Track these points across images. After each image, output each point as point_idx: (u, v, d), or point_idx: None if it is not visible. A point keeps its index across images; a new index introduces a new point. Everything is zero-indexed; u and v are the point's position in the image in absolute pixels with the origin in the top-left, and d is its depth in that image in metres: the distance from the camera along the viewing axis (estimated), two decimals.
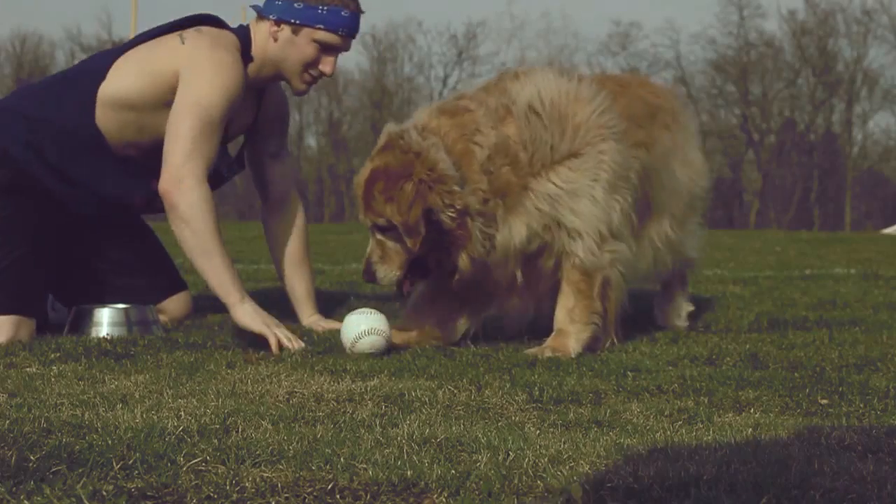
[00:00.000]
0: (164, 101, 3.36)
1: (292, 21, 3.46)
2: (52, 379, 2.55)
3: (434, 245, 3.02)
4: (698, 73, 41.03)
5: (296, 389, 2.44)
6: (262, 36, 3.49)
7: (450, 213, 2.97)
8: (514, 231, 3.07)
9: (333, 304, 4.21)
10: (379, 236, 3.09)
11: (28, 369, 2.70)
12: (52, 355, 2.88)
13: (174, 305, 3.72)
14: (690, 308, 3.79)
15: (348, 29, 3.48)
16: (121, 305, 3.41)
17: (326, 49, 3.48)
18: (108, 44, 39.31)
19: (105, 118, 3.39)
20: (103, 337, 3.26)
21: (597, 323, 3.14)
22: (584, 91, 3.18)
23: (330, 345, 3.15)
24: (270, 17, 3.47)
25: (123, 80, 3.40)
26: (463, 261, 3.05)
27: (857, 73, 39.04)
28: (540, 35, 51.25)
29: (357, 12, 3.51)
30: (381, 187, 2.99)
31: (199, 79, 3.31)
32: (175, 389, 2.42)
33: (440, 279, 3.15)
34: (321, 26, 3.45)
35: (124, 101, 3.39)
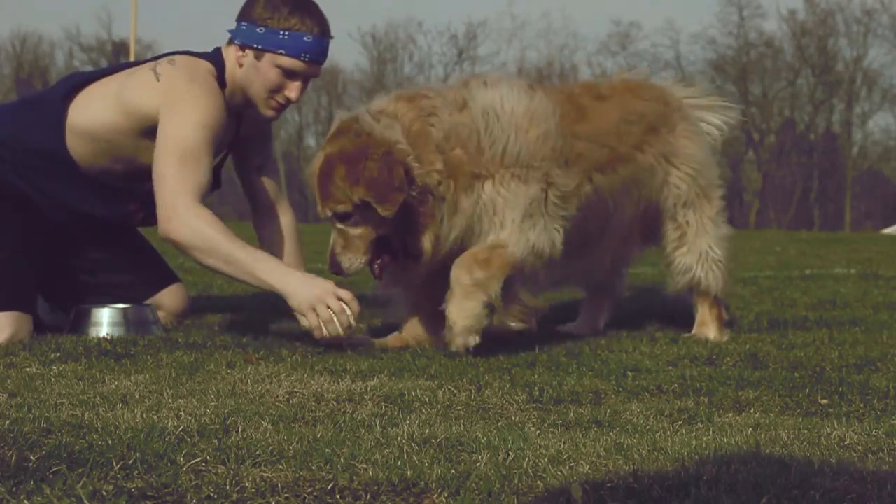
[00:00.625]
0: (139, 131, 3.35)
1: (255, 46, 3.39)
2: (52, 379, 2.55)
3: (399, 226, 3.01)
4: (698, 73, 41.03)
5: (296, 389, 2.44)
6: (231, 61, 3.45)
7: (412, 191, 2.96)
8: (457, 221, 3.04)
9: None
10: (340, 226, 3.07)
11: (28, 369, 2.70)
12: (52, 355, 2.88)
13: (169, 299, 3.69)
14: None
15: (312, 54, 3.38)
16: (120, 305, 3.41)
17: (290, 75, 3.40)
18: (108, 44, 39.30)
19: (76, 145, 3.40)
20: (103, 337, 3.25)
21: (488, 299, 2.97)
22: (540, 111, 3.11)
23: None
24: (235, 41, 3.42)
25: (95, 112, 3.39)
26: (427, 241, 3.03)
27: (857, 73, 39.05)
28: (540, 35, 51.25)
29: (322, 37, 3.40)
30: (343, 173, 2.96)
31: (177, 117, 3.28)
32: (175, 389, 2.42)
33: (413, 270, 3.13)
34: (282, 52, 3.37)
35: (96, 132, 3.39)
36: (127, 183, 3.44)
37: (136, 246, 3.77)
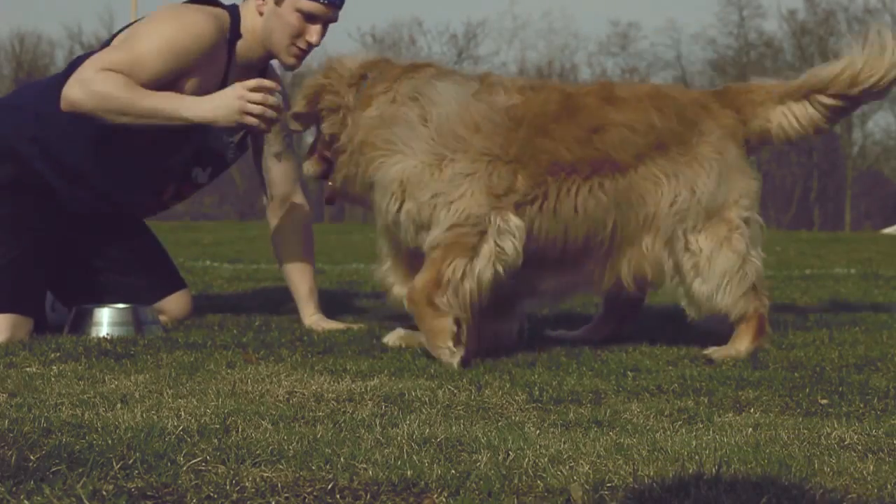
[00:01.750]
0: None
1: None
2: (52, 379, 2.54)
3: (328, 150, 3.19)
4: (698, 73, 41.03)
5: (296, 389, 2.44)
6: (250, 12, 3.49)
7: (331, 119, 3.13)
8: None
9: (334, 304, 4.20)
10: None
11: (28, 369, 2.70)
12: (52, 355, 2.88)
13: (174, 305, 3.71)
14: None
15: None
16: (121, 305, 3.41)
17: (310, 18, 3.45)
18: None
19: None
20: (103, 337, 3.25)
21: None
22: (485, 122, 3.01)
23: (330, 344, 3.16)
24: None
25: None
26: (336, 172, 3.16)
27: None
28: (540, 35, 51.23)
29: None
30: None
31: (144, 25, 3.35)
32: (175, 389, 2.42)
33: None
34: None
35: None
36: (155, 158, 3.46)
37: (148, 247, 3.76)
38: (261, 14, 3.46)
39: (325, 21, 3.48)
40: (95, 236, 3.62)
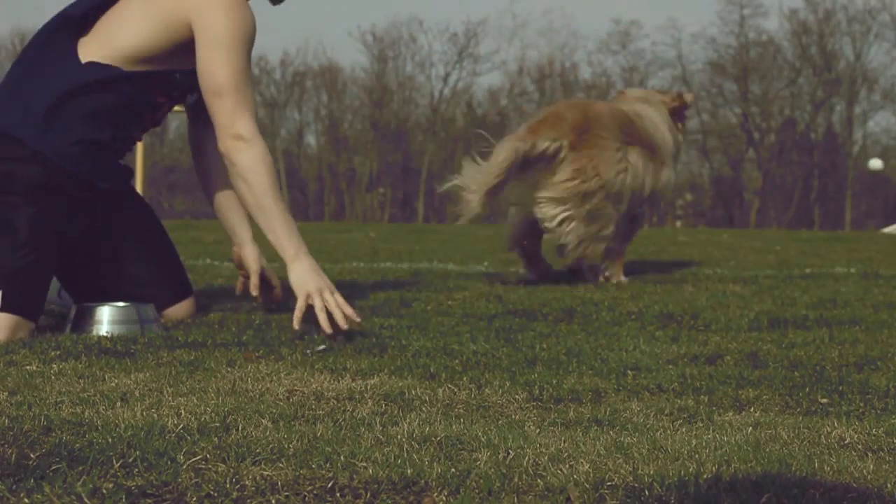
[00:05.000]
0: (183, 44, 3.38)
1: None
2: (52, 377, 2.55)
3: None
4: (698, 72, 41.04)
5: (296, 388, 2.44)
6: None
7: None
8: None
9: None
10: None
11: (28, 367, 2.70)
12: (52, 353, 2.88)
13: (177, 312, 3.71)
14: None
15: None
16: (121, 304, 3.41)
17: None
18: None
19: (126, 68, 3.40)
20: (103, 335, 3.26)
21: None
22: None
23: (330, 343, 3.15)
24: None
25: (131, 38, 3.39)
26: None
27: (858, 72, 39.03)
28: (541, 33, 51.27)
29: None
30: None
31: (218, 31, 3.33)
32: (175, 387, 2.42)
33: None
34: None
35: (140, 56, 3.39)
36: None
37: (163, 254, 3.75)
38: None
39: None
40: (112, 244, 3.60)
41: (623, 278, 5.42)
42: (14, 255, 3.24)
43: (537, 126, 5.18)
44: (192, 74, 3.46)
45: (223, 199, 3.82)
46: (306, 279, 3.23)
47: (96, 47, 3.40)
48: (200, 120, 3.78)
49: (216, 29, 3.33)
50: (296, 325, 3.23)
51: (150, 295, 3.61)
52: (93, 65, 3.38)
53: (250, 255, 3.81)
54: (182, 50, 3.41)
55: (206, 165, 3.84)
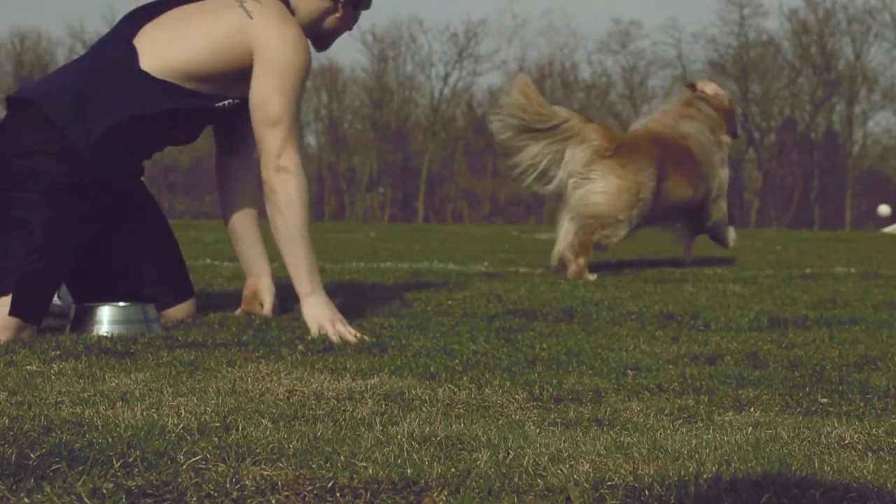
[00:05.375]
0: (236, 70, 3.43)
1: (355, 1, 3.67)
2: (53, 377, 2.55)
3: None
4: (699, 71, 41.04)
5: (296, 388, 2.44)
6: (316, 12, 3.62)
7: None
8: None
9: (334, 302, 4.19)
10: None
11: (28, 367, 2.70)
12: (52, 353, 2.88)
13: (177, 313, 3.71)
14: None
15: None
16: (121, 304, 3.41)
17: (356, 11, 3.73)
18: None
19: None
20: (103, 335, 3.26)
21: None
22: None
23: (329, 343, 3.16)
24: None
25: (187, 54, 3.41)
26: None
27: (858, 72, 39.03)
28: (541, 33, 51.25)
29: None
30: None
31: (281, 64, 3.40)
32: (175, 387, 2.42)
33: None
34: (368, 3, 3.74)
35: (192, 74, 3.41)
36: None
37: (169, 255, 3.76)
38: (340, 18, 3.65)
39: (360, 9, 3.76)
40: (118, 235, 3.59)
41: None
42: (27, 259, 3.23)
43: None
44: (237, 105, 3.51)
45: (244, 232, 3.82)
46: (320, 314, 3.34)
47: (156, 54, 3.40)
48: (230, 148, 3.81)
49: (278, 60, 3.39)
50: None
51: (152, 294, 3.61)
52: (148, 75, 3.39)
53: (267, 290, 3.81)
54: (234, 76, 3.44)
55: (231, 195, 3.83)
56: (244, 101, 3.49)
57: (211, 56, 3.41)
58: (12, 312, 3.19)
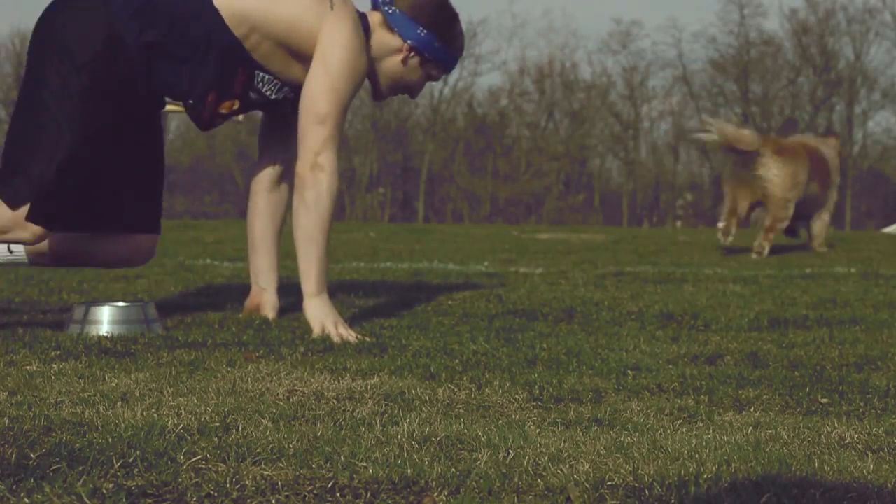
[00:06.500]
0: (291, 49, 3.43)
1: (426, 55, 3.59)
2: (52, 377, 2.55)
3: None
4: (699, 71, 41.06)
5: (296, 388, 2.44)
6: (384, 46, 3.58)
7: None
8: None
9: (334, 301, 4.19)
10: None
11: (28, 367, 2.70)
12: (52, 353, 2.88)
13: (141, 243, 3.59)
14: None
15: (449, 71, 3.70)
16: (121, 304, 3.41)
17: (427, 79, 3.67)
18: None
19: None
20: (103, 335, 3.26)
21: None
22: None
23: (329, 343, 3.16)
24: (408, 41, 3.57)
25: (263, 6, 3.40)
26: None
27: (858, 72, 39.03)
28: (541, 33, 51.23)
29: (459, 60, 3.73)
30: None
31: (339, 64, 3.40)
32: (175, 387, 2.42)
33: None
34: (442, 66, 3.64)
35: (255, 26, 3.39)
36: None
37: (155, 184, 3.64)
38: (403, 63, 3.59)
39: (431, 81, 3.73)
40: (121, 149, 3.49)
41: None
42: (50, 162, 3.24)
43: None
44: (265, 103, 3.53)
45: (262, 242, 3.81)
46: (323, 315, 3.37)
47: None
48: (270, 160, 3.79)
49: (338, 59, 3.40)
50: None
51: (128, 219, 3.53)
52: (215, 9, 3.36)
53: (270, 305, 3.79)
54: (286, 54, 3.43)
55: (258, 204, 3.81)
56: (276, 105, 3.51)
57: (281, 19, 3.40)
58: (31, 218, 3.24)
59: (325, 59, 3.40)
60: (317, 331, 3.34)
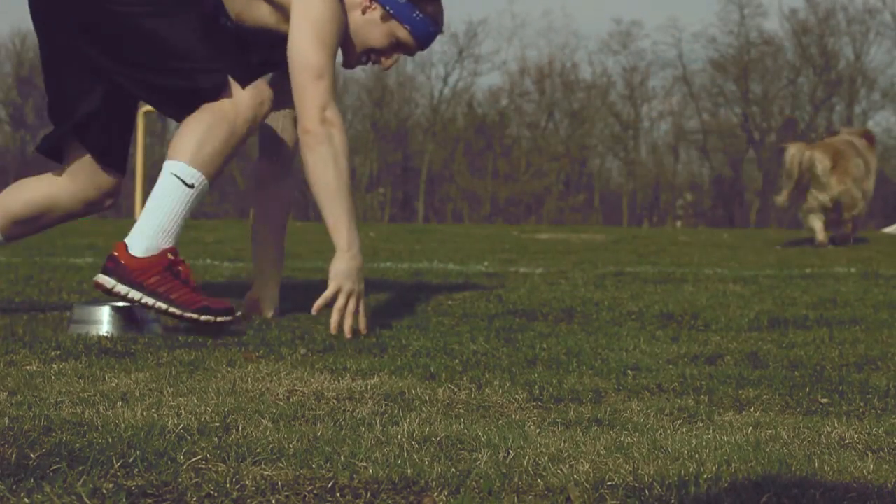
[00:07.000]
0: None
1: (387, 9, 3.50)
2: (53, 377, 2.54)
3: None
4: (699, 71, 41.07)
5: (296, 388, 2.44)
6: (354, 2, 3.52)
7: None
8: None
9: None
10: None
11: (28, 367, 2.70)
12: (52, 353, 2.88)
13: (108, 182, 3.63)
14: None
15: (426, 42, 3.56)
16: (121, 304, 3.41)
17: (395, 48, 3.55)
18: None
19: None
20: (103, 335, 3.26)
21: None
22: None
23: (329, 343, 3.16)
24: None
25: None
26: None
27: (858, 72, 39.02)
28: (541, 33, 51.20)
29: (438, 32, 3.59)
30: None
31: (321, 16, 3.36)
32: (175, 387, 2.42)
33: None
34: (408, 27, 3.51)
35: None
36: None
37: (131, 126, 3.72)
38: (363, 13, 3.51)
39: (402, 54, 3.59)
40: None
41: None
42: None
43: None
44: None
45: (266, 237, 3.81)
46: (346, 276, 3.27)
47: None
48: (270, 156, 3.80)
49: (316, 11, 3.35)
50: (314, 311, 3.30)
51: (108, 160, 3.57)
52: None
53: (270, 300, 3.78)
54: (258, 7, 3.43)
55: (261, 200, 3.83)
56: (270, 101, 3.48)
57: None
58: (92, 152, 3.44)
59: (305, 12, 3.37)
60: (330, 289, 3.26)
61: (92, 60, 3.40)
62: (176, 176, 3.29)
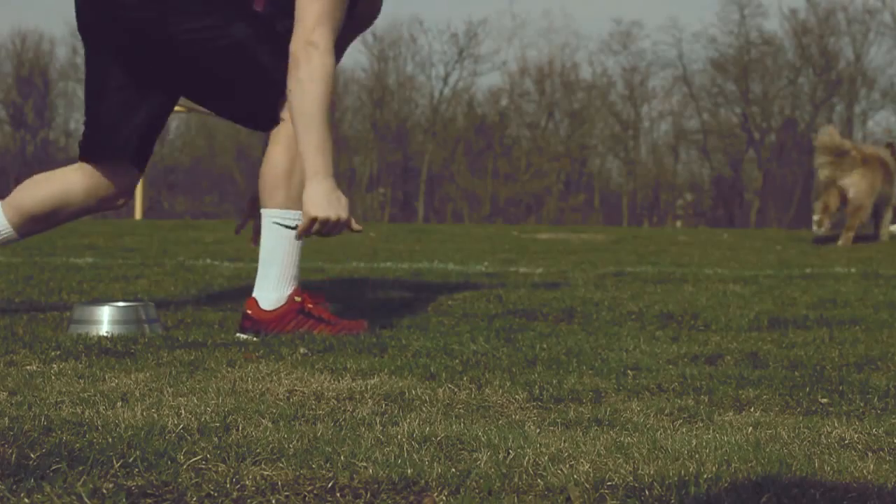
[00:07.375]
0: None
1: None
2: (53, 377, 2.55)
3: None
4: (699, 71, 41.07)
5: (296, 388, 2.44)
6: None
7: None
8: None
9: (334, 301, 4.20)
10: None
11: (28, 367, 2.70)
12: (52, 353, 2.89)
13: (126, 180, 3.65)
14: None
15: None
16: (121, 304, 3.41)
17: None
18: None
19: None
20: (103, 335, 3.26)
21: None
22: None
23: (329, 343, 3.16)
24: None
25: None
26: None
27: (858, 72, 39.02)
28: (541, 33, 51.19)
29: None
30: None
31: None
32: (175, 387, 2.42)
33: None
34: None
35: None
36: None
37: (161, 122, 3.68)
38: None
39: None
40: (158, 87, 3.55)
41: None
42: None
43: None
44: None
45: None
46: (317, 204, 3.20)
47: None
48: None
49: None
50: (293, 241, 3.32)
51: (127, 156, 3.58)
52: None
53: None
54: None
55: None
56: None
57: None
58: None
59: None
60: (303, 223, 3.22)
61: (155, 79, 3.47)
62: (278, 224, 3.36)
